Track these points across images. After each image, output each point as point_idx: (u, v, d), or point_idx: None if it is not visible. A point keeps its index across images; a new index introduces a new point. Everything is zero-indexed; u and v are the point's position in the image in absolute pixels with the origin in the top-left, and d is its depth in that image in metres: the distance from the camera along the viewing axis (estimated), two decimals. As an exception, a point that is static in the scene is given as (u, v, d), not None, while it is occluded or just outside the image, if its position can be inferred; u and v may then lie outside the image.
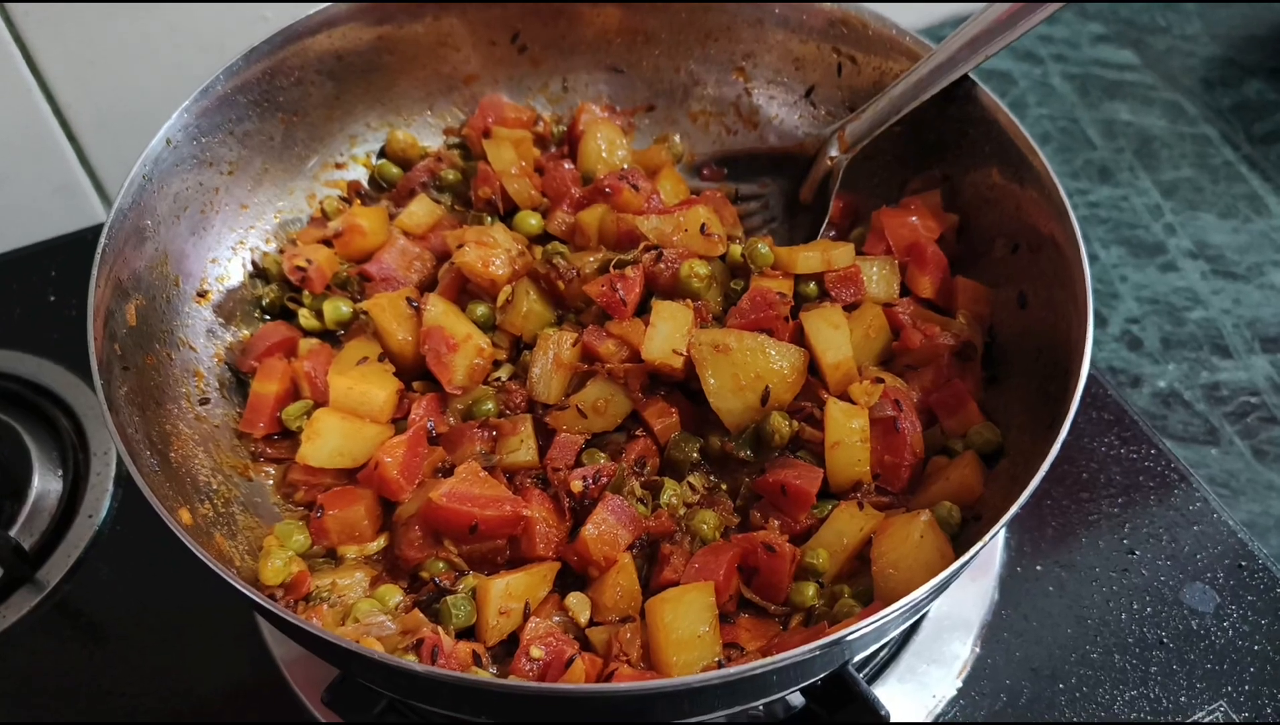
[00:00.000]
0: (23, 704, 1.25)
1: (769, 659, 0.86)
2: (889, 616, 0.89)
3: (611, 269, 1.27)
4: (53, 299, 1.63)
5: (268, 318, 1.36)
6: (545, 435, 1.22)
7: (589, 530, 1.10)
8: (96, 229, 1.71)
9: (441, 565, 1.12)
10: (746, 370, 1.15)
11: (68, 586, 1.34)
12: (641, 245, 1.29)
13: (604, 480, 1.14)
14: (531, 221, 1.38)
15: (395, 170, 1.47)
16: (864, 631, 0.89)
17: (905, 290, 1.29)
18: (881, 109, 1.28)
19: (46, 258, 1.69)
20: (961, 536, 1.10)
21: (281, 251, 1.38)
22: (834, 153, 1.32)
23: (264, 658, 1.26)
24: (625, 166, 1.44)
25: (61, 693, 1.26)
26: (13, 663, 1.28)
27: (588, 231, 1.34)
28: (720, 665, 1.03)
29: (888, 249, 1.28)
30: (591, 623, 1.10)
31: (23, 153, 1.70)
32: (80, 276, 1.63)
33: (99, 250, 1.13)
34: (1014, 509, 0.94)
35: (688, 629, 1.02)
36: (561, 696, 0.90)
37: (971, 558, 0.93)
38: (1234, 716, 1.21)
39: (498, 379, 1.27)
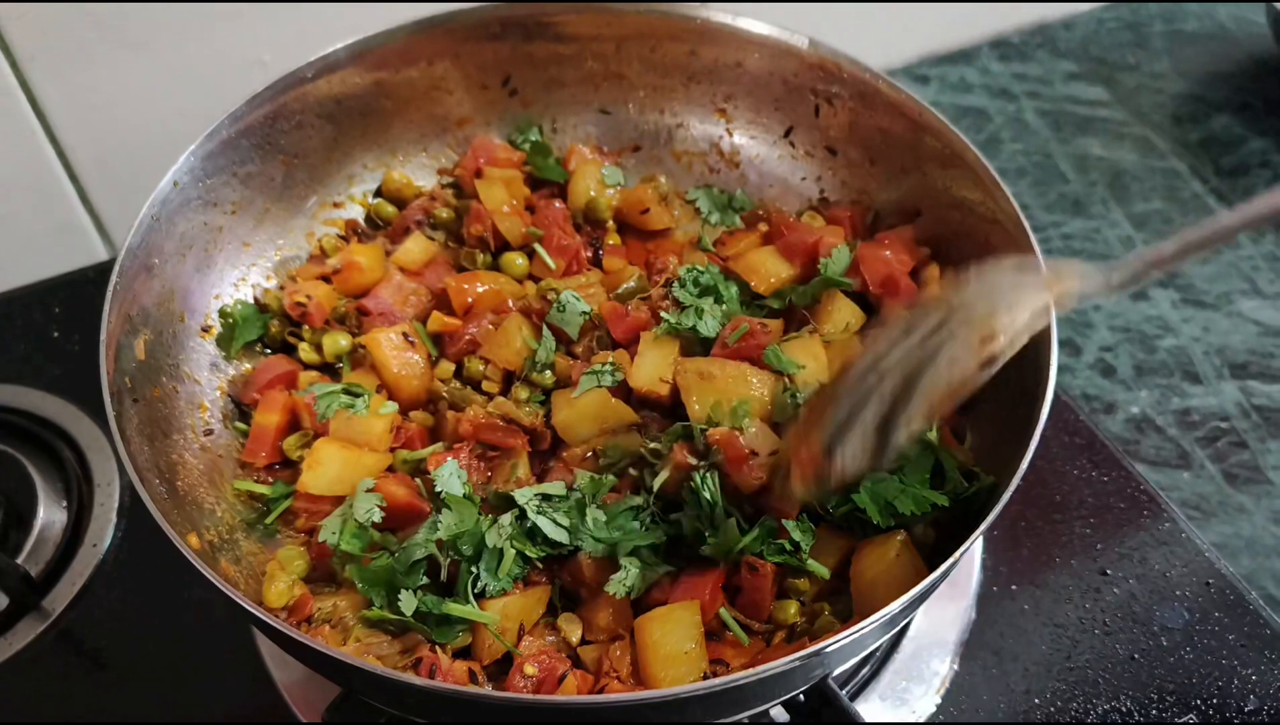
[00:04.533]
0: (28, 730, 1.29)
1: (751, 670, 0.90)
2: (865, 629, 0.94)
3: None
4: (56, 335, 1.67)
5: (269, 352, 1.40)
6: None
7: (584, 555, 1.15)
8: (98, 267, 1.77)
9: (439, 587, 1.16)
10: (728, 397, 1.19)
11: (72, 614, 1.37)
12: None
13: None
14: (518, 262, 1.43)
15: (391, 209, 1.52)
16: (842, 643, 0.93)
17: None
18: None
19: (49, 295, 1.73)
20: (936, 555, 1.14)
21: (282, 288, 1.43)
22: None
23: (264, 681, 1.29)
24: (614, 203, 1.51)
25: (66, 719, 1.29)
26: (18, 690, 1.31)
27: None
28: (706, 679, 1.06)
29: (863, 282, 1.34)
30: (583, 641, 1.14)
31: (27, 193, 1.75)
32: (82, 313, 1.69)
33: (110, 287, 1.17)
34: (982, 526, 0.99)
35: (675, 646, 1.07)
36: (553, 707, 0.95)
37: (944, 573, 0.98)
38: (1204, 729, 1.25)
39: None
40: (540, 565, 1.16)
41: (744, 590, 1.14)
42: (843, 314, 1.32)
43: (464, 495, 1.15)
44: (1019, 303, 0.95)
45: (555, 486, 1.18)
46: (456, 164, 1.56)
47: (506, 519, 1.14)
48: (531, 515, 1.14)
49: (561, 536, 1.13)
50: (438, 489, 1.15)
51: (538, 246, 1.42)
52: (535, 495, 1.16)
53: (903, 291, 1.32)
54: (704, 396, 1.20)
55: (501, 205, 1.46)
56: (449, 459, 1.18)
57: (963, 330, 0.93)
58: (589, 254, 1.46)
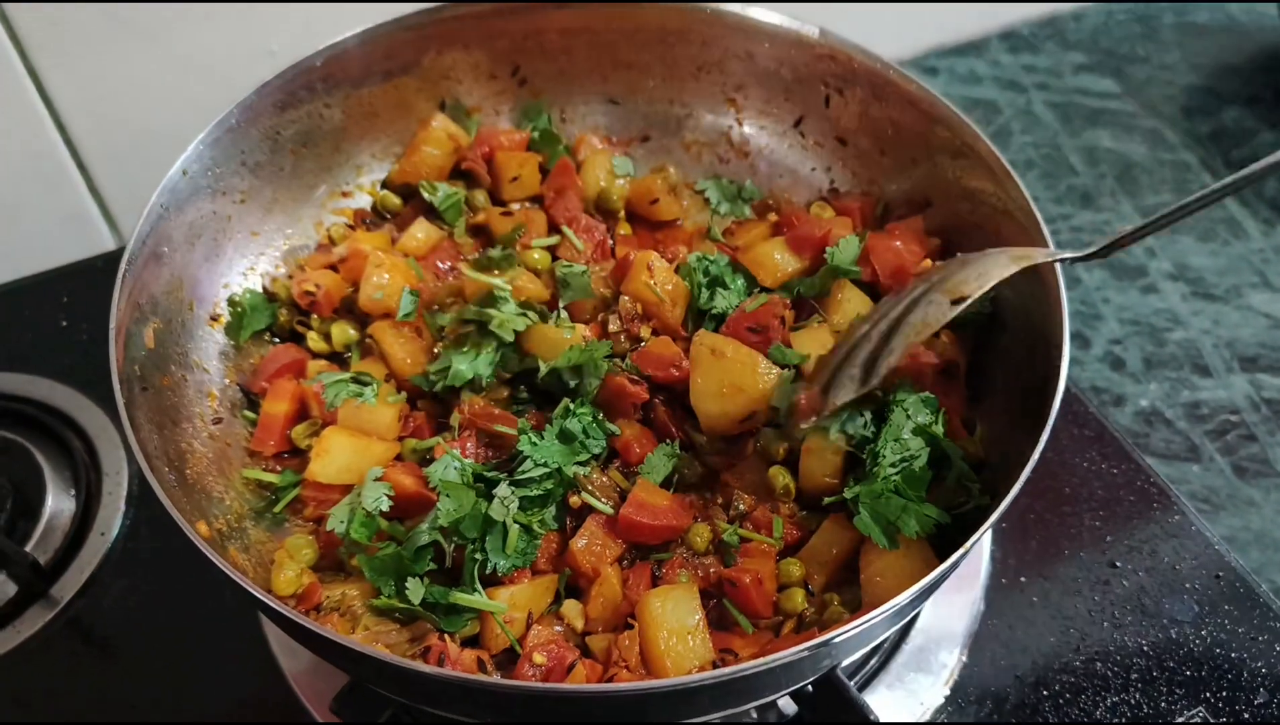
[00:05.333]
0: (36, 717, 1.28)
1: (759, 660, 0.90)
2: (874, 619, 0.94)
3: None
4: (64, 324, 1.67)
5: (277, 340, 1.40)
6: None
7: (577, 543, 1.15)
8: (106, 257, 1.77)
9: (446, 577, 1.16)
10: (730, 379, 1.20)
11: (80, 602, 1.37)
12: None
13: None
14: (535, 256, 1.42)
15: (396, 200, 1.51)
16: (850, 634, 0.93)
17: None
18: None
19: (58, 284, 1.73)
20: (945, 546, 1.14)
21: (291, 277, 1.43)
22: None
23: (272, 670, 1.30)
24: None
25: (74, 707, 1.29)
26: (26, 677, 1.31)
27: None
28: (715, 668, 1.07)
29: (873, 273, 1.33)
30: (587, 632, 1.14)
31: (36, 183, 1.75)
32: (90, 303, 1.69)
33: (120, 275, 1.17)
34: (991, 518, 0.98)
35: (678, 621, 1.07)
36: (561, 696, 0.95)
37: (952, 564, 0.97)
38: (1212, 721, 1.25)
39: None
40: (542, 532, 1.16)
41: (735, 600, 1.14)
42: (852, 304, 1.32)
43: (462, 482, 1.15)
44: (987, 274, 1.12)
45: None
46: (463, 155, 1.56)
47: (503, 489, 1.14)
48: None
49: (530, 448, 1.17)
50: (431, 485, 1.15)
51: (565, 229, 1.41)
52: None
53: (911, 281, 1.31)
54: (709, 373, 1.20)
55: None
56: (446, 452, 1.18)
57: (937, 292, 1.13)
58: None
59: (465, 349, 1.28)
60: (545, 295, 1.35)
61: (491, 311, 1.28)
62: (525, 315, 1.30)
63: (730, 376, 1.19)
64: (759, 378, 1.20)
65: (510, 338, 1.28)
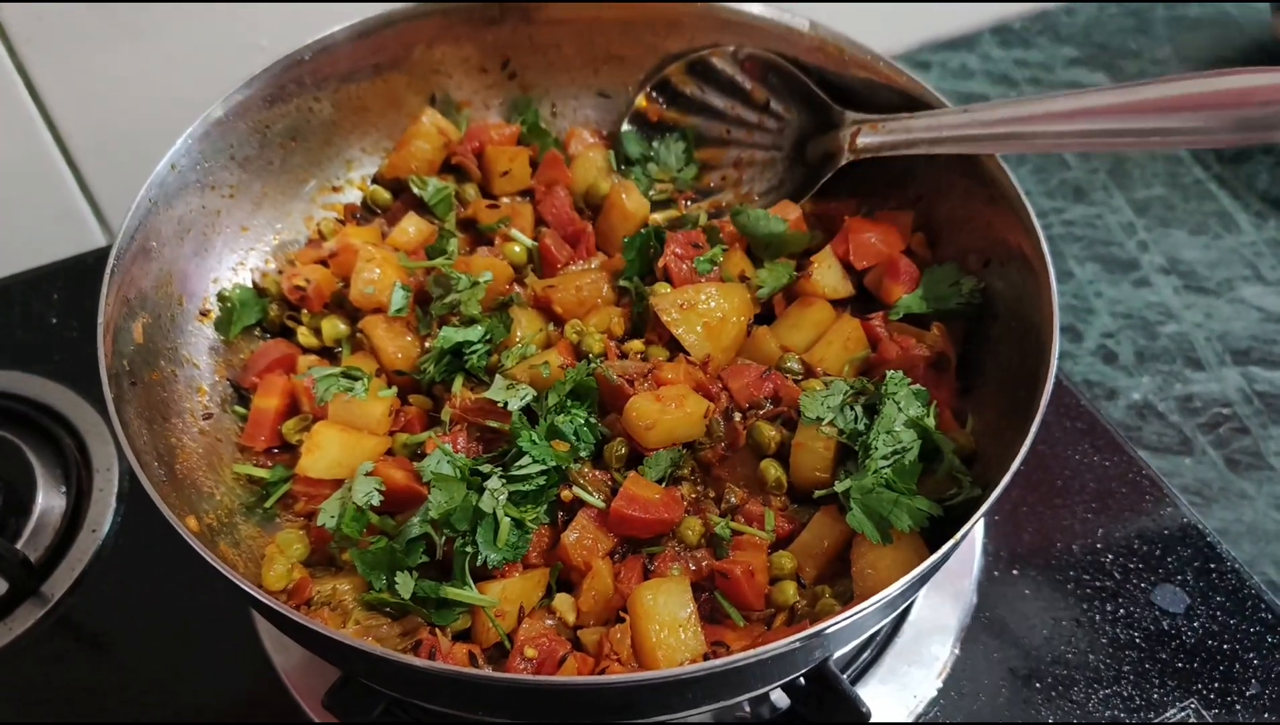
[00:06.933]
0: (28, 714, 1.28)
1: (751, 651, 0.90)
2: (866, 611, 0.93)
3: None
4: (55, 321, 1.67)
5: (267, 335, 1.40)
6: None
7: (569, 536, 1.15)
8: (96, 253, 1.77)
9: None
10: (712, 313, 1.25)
11: (71, 599, 1.37)
12: None
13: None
14: (515, 249, 1.42)
15: (386, 195, 1.51)
16: (842, 625, 0.93)
17: (881, 304, 1.34)
18: (900, 139, 1.32)
19: (48, 282, 1.73)
20: (937, 537, 1.14)
21: (281, 272, 1.43)
22: (844, 144, 1.37)
23: (264, 666, 1.30)
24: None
25: (65, 703, 1.29)
26: (18, 674, 1.31)
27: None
28: (707, 660, 1.06)
29: (846, 252, 1.34)
30: (579, 626, 1.14)
31: (26, 181, 1.75)
32: (81, 300, 1.69)
33: (108, 270, 1.17)
34: (983, 508, 0.98)
35: (669, 614, 1.07)
36: (553, 689, 0.94)
37: (944, 555, 0.97)
38: (1205, 714, 1.25)
39: None
40: (534, 527, 1.16)
41: (727, 593, 1.14)
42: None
43: (456, 476, 1.15)
44: None
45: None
46: (453, 149, 1.55)
47: (494, 482, 1.14)
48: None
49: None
50: (424, 479, 1.14)
51: (515, 233, 1.41)
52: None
53: (902, 272, 1.31)
54: (690, 323, 1.26)
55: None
56: (436, 448, 1.17)
57: None
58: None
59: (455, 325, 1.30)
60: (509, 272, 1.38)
61: (454, 296, 1.30)
62: (478, 283, 1.31)
63: (709, 312, 1.28)
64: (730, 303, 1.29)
65: (477, 311, 1.30)
